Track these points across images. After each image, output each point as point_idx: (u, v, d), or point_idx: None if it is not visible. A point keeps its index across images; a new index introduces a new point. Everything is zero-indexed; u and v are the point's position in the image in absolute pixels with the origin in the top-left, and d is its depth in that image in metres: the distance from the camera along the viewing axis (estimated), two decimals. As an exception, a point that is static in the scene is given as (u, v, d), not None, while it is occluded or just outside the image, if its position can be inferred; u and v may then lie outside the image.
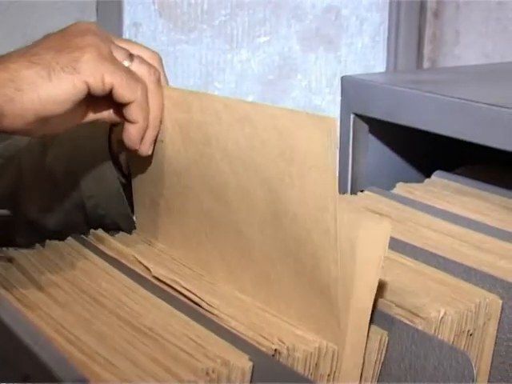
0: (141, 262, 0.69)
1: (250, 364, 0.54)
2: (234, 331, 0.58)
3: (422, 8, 1.96)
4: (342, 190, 1.02)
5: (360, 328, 0.58)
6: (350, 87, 1.00)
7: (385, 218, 0.57)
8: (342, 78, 1.01)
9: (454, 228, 0.82)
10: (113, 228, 0.84)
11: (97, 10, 1.47)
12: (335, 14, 1.91)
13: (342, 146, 1.01)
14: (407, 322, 0.62)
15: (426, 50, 1.96)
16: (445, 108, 0.89)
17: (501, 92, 0.96)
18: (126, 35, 1.56)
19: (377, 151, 1.02)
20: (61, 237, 0.78)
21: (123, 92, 0.68)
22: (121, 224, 0.84)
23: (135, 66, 0.69)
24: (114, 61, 0.68)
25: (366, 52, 1.96)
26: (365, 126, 1.00)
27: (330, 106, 1.89)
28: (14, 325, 0.54)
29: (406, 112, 0.93)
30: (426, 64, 1.96)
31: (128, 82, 0.68)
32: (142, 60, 0.70)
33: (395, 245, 0.75)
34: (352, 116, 0.99)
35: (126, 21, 1.56)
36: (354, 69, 1.94)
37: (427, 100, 0.91)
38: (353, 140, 1.00)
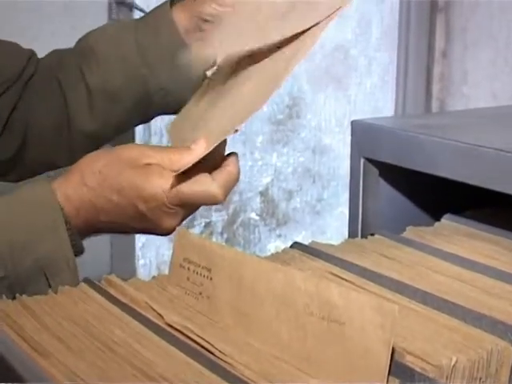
0: (153, 309, 0.70)
1: (263, 413, 0.54)
2: (248, 380, 0.58)
3: (430, 48, 1.97)
4: (353, 234, 1.03)
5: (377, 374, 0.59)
6: (360, 131, 1.01)
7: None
8: (352, 122, 1.02)
9: (465, 273, 0.82)
10: None
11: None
12: (344, 54, 1.93)
13: (352, 190, 1.02)
14: (418, 369, 0.62)
15: (435, 89, 1.97)
16: (454, 153, 0.90)
17: (509, 137, 0.97)
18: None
19: (387, 195, 1.03)
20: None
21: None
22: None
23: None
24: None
25: (375, 91, 1.98)
26: (375, 170, 1.01)
27: (340, 145, 1.90)
28: (25, 372, 0.55)
29: (416, 156, 0.94)
30: (434, 103, 1.97)
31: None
32: None
33: (406, 290, 0.76)
34: (362, 160, 1.00)
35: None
36: (364, 108, 1.96)
37: (436, 145, 0.92)
38: (363, 184, 1.01)
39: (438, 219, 0.99)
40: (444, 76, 1.95)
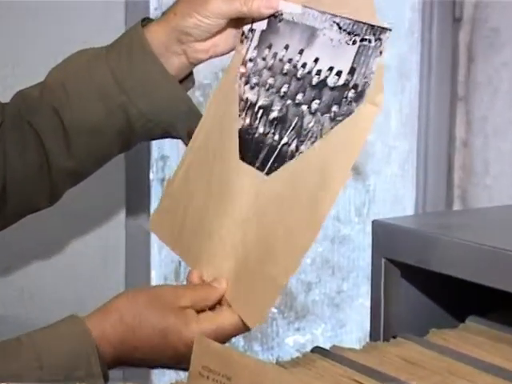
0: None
1: None
2: None
3: (451, 137, 1.97)
4: (374, 335, 1.01)
5: None
6: (381, 231, 1.00)
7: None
8: (373, 222, 1.01)
9: (491, 379, 0.81)
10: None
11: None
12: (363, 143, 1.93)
13: (373, 291, 1.00)
14: None
15: (456, 179, 1.96)
16: (475, 255, 0.89)
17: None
18: (154, 168, 1.58)
19: (409, 295, 1.01)
20: None
21: None
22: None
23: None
24: None
25: (395, 181, 1.97)
26: (396, 271, 1.00)
27: (360, 235, 1.88)
28: None
29: (437, 258, 0.93)
30: (456, 193, 1.96)
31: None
32: None
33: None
34: (383, 260, 0.99)
35: (154, 154, 1.58)
36: (383, 197, 1.95)
37: (458, 246, 0.91)
38: (384, 284, 0.99)
39: (461, 320, 0.97)
40: (465, 166, 1.94)
